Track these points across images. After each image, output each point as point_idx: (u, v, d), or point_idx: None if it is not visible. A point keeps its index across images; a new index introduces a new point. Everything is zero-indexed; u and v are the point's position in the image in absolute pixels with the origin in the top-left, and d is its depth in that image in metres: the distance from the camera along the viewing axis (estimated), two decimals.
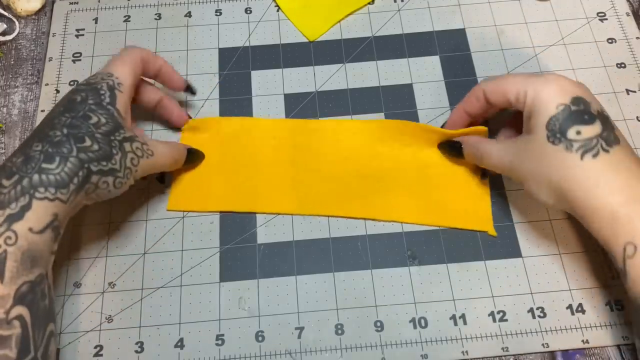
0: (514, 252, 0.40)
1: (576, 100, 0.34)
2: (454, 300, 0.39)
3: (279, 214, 0.42)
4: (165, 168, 0.40)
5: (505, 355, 0.38)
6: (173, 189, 0.42)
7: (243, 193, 0.42)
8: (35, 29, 0.50)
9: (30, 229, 0.31)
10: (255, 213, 0.42)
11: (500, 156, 0.37)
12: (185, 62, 0.48)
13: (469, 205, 0.41)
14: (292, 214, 0.42)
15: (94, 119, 0.34)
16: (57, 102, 0.40)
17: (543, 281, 0.39)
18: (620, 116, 0.45)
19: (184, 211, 0.42)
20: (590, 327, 0.38)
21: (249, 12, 0.51)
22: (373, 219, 0.41)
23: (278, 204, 0.42)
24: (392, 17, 0.50)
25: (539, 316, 0.38)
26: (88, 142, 0.33)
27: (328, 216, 0.42)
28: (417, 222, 0.41)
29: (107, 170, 0.34)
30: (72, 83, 0.47)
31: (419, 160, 0.43)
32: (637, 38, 0.48)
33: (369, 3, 0.50)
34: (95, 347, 0.38)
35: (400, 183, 0.42)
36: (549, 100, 0.34)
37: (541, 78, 0.35)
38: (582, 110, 0.34)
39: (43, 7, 0.51)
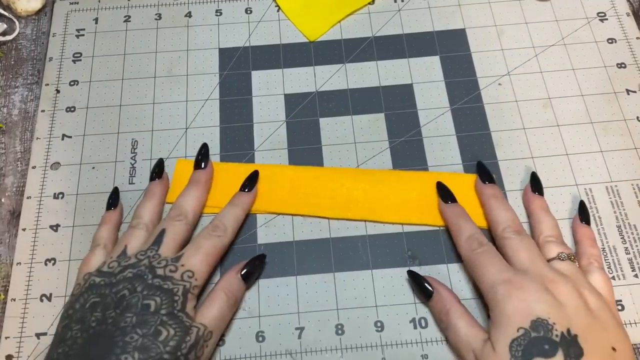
0: None
1: (536, 325, 0.32)
2: None
3: (278, 214, 0.42)
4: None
5: None
6: (173, 184, 0.42)
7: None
8: (35, 29, 0.50)
9: None
10: (255, 214, 0.42)
11: (467, 342, 0.34)
12: (185, 62, 0.48)
13: (470, 205, 0.41)
14: (291, 214, 0.42)
15: (164, 334, 0.32)
16: (122, 290, 0.34)
17: None
18: (620, 116, 0.45)
19: None
20: None
21: (249, 12, 0.51)
22: (373, 221, 0.41)
23: (277, 204, 0.42)
24: (392, 17, 0.50)
25: None
26: None
27: (328, 218, 0.42)
28: (418, 222, 0.41)
29: None
30: (72, 83, 0.47)
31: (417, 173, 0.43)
32: (637, 38, 0.48)
33: (369, 3, 0.50)
34: None
35: (400, 184, 0.42)
36: (510, 317, 0.33)
37: (507, 288, 0.34)
38: (541, 337, 0.32)
39: (43, 7, 0.51)
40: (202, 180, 0.41)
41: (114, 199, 0.41)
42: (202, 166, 0.42)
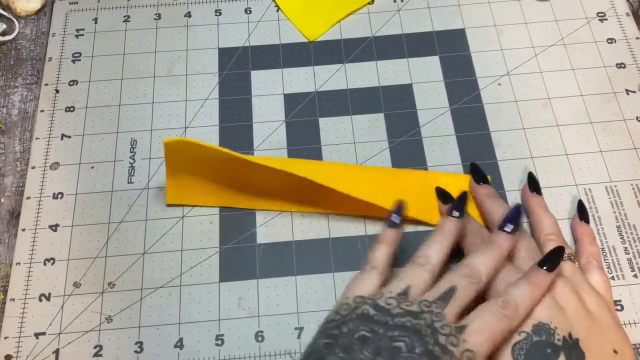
0: None
1: (538, 329, 0.32)
2: None
3: (274, 201, 0.41)
4: None
5: None
6: (168, 182, 0.42)
7: (239, 185, 0.42)
8: (35, 29, 0.50)
9: None
10: (255, 214, 0.42)
11: None
12: (185, 62, 0.48)
13: (469, 204, 0.41)
14: (289, 210, 0.42)
15: None
16: (398, 339, 0.30)
17: None
18: (620, 116, 0.45)
19: (183, 205, 0.42)
20: None
21: (248, 12, 0.51)
22: (371, 201, 0.40)
23: (275, 201, 0.41)
24: (392, 17, 0.50)
25: None
26: None
27: (327, 213, 0.41)
28: (414, 216, 0.41)
29: None
30: (71, 83, 0.47)
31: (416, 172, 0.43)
32: (637, 38, 0.48)
33: (368, 3, 0.50)
34: (95, 347, 0.38)
35: (397, 181, 0.42)
36: None
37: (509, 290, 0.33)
38: (544, 342, 0.31)
39: (43, 7, 0.51)
40: (504, 245, 0.35)
41: (400, 217, 0.37)
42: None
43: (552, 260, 0.34)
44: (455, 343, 0.30)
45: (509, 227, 0.35)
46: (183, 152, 0.39)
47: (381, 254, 0.35)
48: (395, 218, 0.37)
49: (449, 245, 0.35)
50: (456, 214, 0.37)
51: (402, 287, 0.32)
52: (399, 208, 0.37)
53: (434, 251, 0.35)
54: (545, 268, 0.33)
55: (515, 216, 0.36)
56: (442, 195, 0.41)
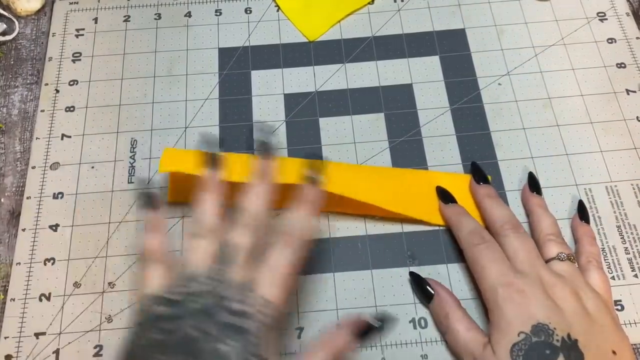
0: None
1: (537, 330, 0.32)
2: None
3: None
4: None
5: None
6: (171, 179, 0.42)
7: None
8: (35, 28, 0.50)
9: None
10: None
11: (467, 346, 0.34)
12: (185, 62, 0.48)
13: (468, 205, 0.41)
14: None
15: None
16: (200, 337, 0.28)
17: None
18: (620, 116, 0.45)
19: (184, 204, 0.42)
20: None
21: (248, 12, 0.51)
22: (373, 204, 0.40)
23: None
24: (392, 17, 0.50)
25: None
26: None
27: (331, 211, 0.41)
28: (416, 216, 0.41)
29: None
30: (71, 83, 0.47)
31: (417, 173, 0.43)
32: (637, 38, 0.48)
33: (369, 3, 0.50)
34: (95, 347, 0.38)
35: (398, 180, 0.42)
36: (511, 321, 0.33)
37: (507, 291, 0.33)
38: (542, 342, 0.32)
39: (43, 7, 0.51)
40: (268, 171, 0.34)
41: (151, 197, 0.34)
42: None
43: (312, 172, 0.33)
44: (252, 302, 0.29)
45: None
46: (179, 172, 0.38)
47: (154, 244, 0.33)
48: None
49: (218, 203, 0.33)
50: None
51: (183, 266, 0.31)
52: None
53: (209, 214, 0.32)
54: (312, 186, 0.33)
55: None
56: (443, 194, 0.41)
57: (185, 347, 0.27)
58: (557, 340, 0.32)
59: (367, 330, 0.32)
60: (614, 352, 0.32)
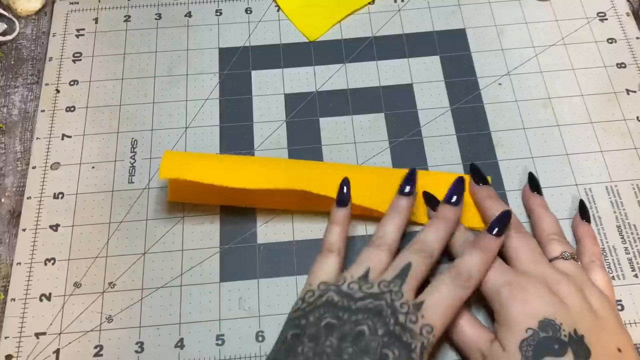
0: None
1: (544, 325, 0.32)
2: None
3: (269, 188, 0.40)
4: None
5: None
6: (171, 182, 0.42)
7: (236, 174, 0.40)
8: (35, 29, 0.50)
9: None
10: (255, 209, 0.42)
11: (474, 342, 0.34)
12: (186, 62, 0.48)
13: (468, 206, 0.41)
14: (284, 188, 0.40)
15: None
16: (361, 322, 0.32)
17: None
18: (620, 116, 0.45)
19: (184, 203, 0.42)
20: None
21: (249, 12, 0.51)
22: (369, 207, 0.40)
23: (269, 179, 0.40)
24: (392, 17, 0.50)
25: None
26: None
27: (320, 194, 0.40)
28: (414, 219, 0.41)
29: None
30: (72, 83, 0.47)
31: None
32: (637, 38, 0.48)
33: (369, 3, 0.50)
34: (95, 347, 0.38)
35: (396, 181, 0.42)
36: (517, 318, 0.33)
37: (510, 290, 0.34)
38: (550, 337, 0.32)
39: (43, 7, 0.51)
40: (450, 217, 0.37)
41: (346, 194, 0.37)
42: (454, 203, 0.37)
43: (500, 224, 0.36)
44: (414, 320, 0.32)
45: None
46: (181, 178, 0.39)
47: (335, 236, 0.37)
48: (407, 188, 0.38)
49: (403, 222, 0.37)
50: (407, 189, 0.38)
51: (362, 270, 0.34)
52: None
53: (389, 231, 0.36)
54: (493, 233, 0.35)
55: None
56: (430, 200, 0.40)
57: (355, 339, 0.31)
58: (565, 336, 0.32)
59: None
60: (619, 350, 0.32)
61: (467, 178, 0.42)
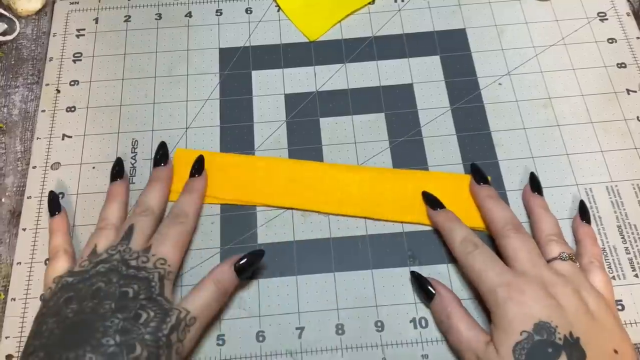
0: None
1: (539, 328, 0.32)
2: None
3: (274, 206, 0.42)
4: (212, 318, 0.37)
5: None
6: (175, 174, 0.43)
7: (242, 185, 0.42)
8: (35, 29, 0.50)
9: None
10: (255, 209, 0.42)
11: (469, 344, 0.34)
12: (186, 62, 0.48)
13: (468, 206, 0.41)
14: (286, 207, 0.42)
15: (144, 316, 0.33)
16: (96, 283, 0.34)
17: None
18: (620, 116, 0.45)
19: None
20: None
21: (249, 12, 0.51)
22: (369, 218, 0.41)
23: (273, 196, 0.42)
24: (392, 17, 0.50)
25: None
26: (138, 350, 0.32)
27: (325, 213, 0.42)
28: (414, 221, 0.41)
29: None
30: (72, 83, 0.47)
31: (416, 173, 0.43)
32: (638, 38, 0.48)
33: (369, 3, 0.50)
34: None
35: (396, 182, 0.42)
36: (512, 321, 0.33)
37: (507, 291, 0.34)
38: (544, 341, 0.32)
39: (43, 7, 0.51)
40: (163, 176, 0.41)
41: (55, 203, 0.41)
42: (162, 164, 0.42)
43: (198, 166, 0.42)
44: (146, 260, 0.36)
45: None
46: (189, 163, 0.42)
47: (56, 241, 0.39)
48: None
49: (121, 205, 0.40)
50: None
51: (90, 249, 0.37)
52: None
53: (111, 213, 0.39)
54: (196, 175, 0.41)
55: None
56: (431, 201, 0.41)
57: (94, 295, 0.34)
58: (560, 339, 0.32)
59: (245, 263, 0.37)
60: (615, 351, 0.32)
61: (468, 178, 0.42)
